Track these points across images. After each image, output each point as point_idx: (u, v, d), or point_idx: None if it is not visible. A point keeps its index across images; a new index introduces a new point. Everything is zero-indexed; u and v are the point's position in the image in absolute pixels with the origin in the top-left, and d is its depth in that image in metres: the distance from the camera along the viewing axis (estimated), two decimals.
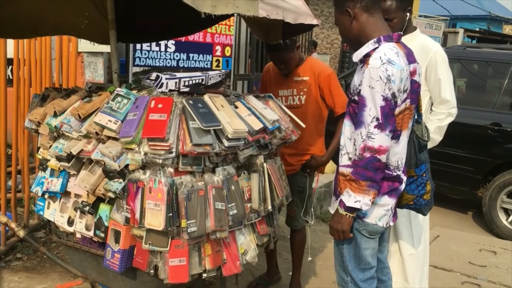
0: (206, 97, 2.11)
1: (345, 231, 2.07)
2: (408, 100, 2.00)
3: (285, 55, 2.89)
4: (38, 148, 2.44)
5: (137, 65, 6.33)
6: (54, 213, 2.36)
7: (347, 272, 2.16)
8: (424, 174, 2.20)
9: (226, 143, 2.00)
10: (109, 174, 2.05)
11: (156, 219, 1.94)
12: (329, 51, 12.66)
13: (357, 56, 2.06)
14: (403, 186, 2.13)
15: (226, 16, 3.54)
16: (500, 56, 5.43)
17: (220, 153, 2.01)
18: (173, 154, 1.92)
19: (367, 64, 1.94)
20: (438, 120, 2.87)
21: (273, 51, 2.90)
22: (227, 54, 7.63)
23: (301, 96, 2.98)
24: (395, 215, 2.20)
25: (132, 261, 2.11)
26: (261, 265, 3.46)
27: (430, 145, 2.91)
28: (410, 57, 2.05)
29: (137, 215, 1.98)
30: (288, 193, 2.53)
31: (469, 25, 21.91)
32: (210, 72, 6.93)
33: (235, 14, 2.09)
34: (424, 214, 2.37)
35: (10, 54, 3.75)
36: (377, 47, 1.97)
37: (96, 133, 2.05)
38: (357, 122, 1.98)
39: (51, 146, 2.30)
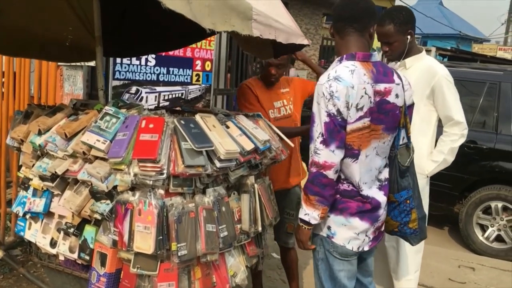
0: (197, 117, 2.08)
1: (303, 242, 2.11)
2: (367, 119, 1.97)
3: (284, 59, 2.93)
4: (20, 166, 2.35)
5: (117, 79, 6.24)
6: (35, 234, 2.28)
7: None
8: (408, 201, 2.16)
9: (218, 164, 1.97)
10: (96, 195, 1.99)
11: (145, 242, 1.88)
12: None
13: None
14: (381, 211, 2.11)
15: (210, 34, 3.54)
16: (475, 76, 5.57)
17: (211, 174, 1.98)
18: (164, 176, 1.88)
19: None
20: (451, 141, 2.91)
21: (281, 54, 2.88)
22: (207, 68, 7.61)
23: (290, 105, 3.06)
24: (374, 241, 2.16)
25: (118, 285, 2.05)
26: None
27: (442, 166, 2.96)
28: (384, 77, 2.03)
29: (126, 238, 1.92)
30: (277, 213, 2.51)
31: (440, 43, 22.48)
32: (190, 87, 6.91)
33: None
34: (412, 244, 2.31)
35: None
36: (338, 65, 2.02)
37: (84, 152, 1.99)
38: (309, 137, 2.02)
39: (34, 165, 2.22)
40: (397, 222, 2.19)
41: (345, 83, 1.91)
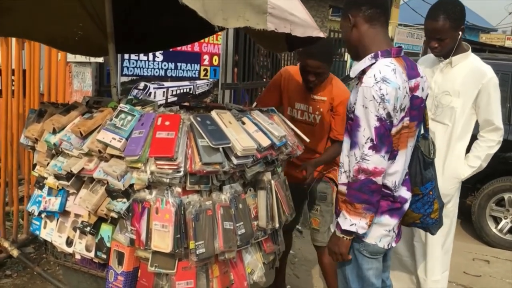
0: (213, 113, 2.05)
1: (342, 254, 2.02)
2: (407, 118, 1.93)
3: (321, 67, 2.73)
4: (34, 165, 2.34)
5: (125, 75, 6.23)
6: (51, 233, 2.26)
7: None
8: (430, 193, 2.14)
9: (235, 161, 1.94)
10: (112, 193, 1.97)
11: (163, 241, 1.87)
12: None
13: (353, 72, 2.02)
14: (406, 206, 2.07)
15: (221, 29, 3.51)
16: None
17: (228, 171, 1.95)
18: (181, 173, 1.85)
19: (361, 82, 1.89)
20: (488, 148, 2.82)
21: (311, 58, 2.70)
22: (215, 63, 7.58)
23: (316, 115, 2.90)
24: (398, 235, 2.15)
25: (136, 284, 2.04)
26: None
27: (476, 171, 2.89)
28: (413, 72, 1.98)
29: (143, 237, 1.90)
30: (293, 209, 2.48)
31: None
32: (198, 82, 6.89)
33: None
34: (433, 234, 2.32)
35: None
36: (374, 63, 1.92)
37: (99, 151, 1.97)
38: (352, 143, 1.93)
39: (48, 163, 2.21)
40: (419, 214, 2.16)
41: (393, 85, 1.83)
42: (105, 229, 2.07)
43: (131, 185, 1.94)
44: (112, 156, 1.98)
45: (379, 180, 1.87)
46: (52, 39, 2.96)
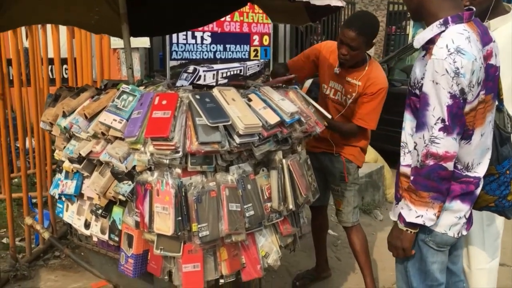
0: (215, 91, 1.95)
1: (405, 249, 1.81)
2: (483, 92, 1.68)
3: (356, 40, 2.54)
4: (54, 150, 2.39)
5: (174, 59, 6.28)
6: (72, 215, 2.30)
7: None
8: (508, 172, 1.88)
9: (237, 140, 1.83)
10: (117, 176, 1.95)
11: (164, 223, 1.82)
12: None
13: (418, 41, 1.74)
14: (479, 190, 1.83)
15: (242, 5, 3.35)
16: None
17: (232, 150, 1.86)
18: (180, 154, 1.78)
19: (430, 54, 1.64)
20: None
21: (348, 27, 2.56)
22: (265, 43, 7.45)
23: (347, 98, 2.76)
24: (469, 222, 1.90)
25: (146, 266, 2.02)
26: (298, 262, 3.30)
27: None
28: (486, 37, 1.70)
29: (146, 219, 1.86)
30: (316, 189, 2.34)
31: None
32: (248, 63, 6.80)
33: None
34: (509, 218, 2.03)
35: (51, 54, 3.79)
36: (443, 31, 1.66)
37: (103, 133, 1.96)
38: (419, 124, 1.70)
39: (65, 147, 2.24)
40: (494, 196, 1.91)
41: (469, 56, 1.59)
42: (117, 212, 2.06)
43: (135, 167, 1.91)
44: (116, 138, 1.96)
45: (450, 165, 1.65)
46: (70, 22, 2.98)
